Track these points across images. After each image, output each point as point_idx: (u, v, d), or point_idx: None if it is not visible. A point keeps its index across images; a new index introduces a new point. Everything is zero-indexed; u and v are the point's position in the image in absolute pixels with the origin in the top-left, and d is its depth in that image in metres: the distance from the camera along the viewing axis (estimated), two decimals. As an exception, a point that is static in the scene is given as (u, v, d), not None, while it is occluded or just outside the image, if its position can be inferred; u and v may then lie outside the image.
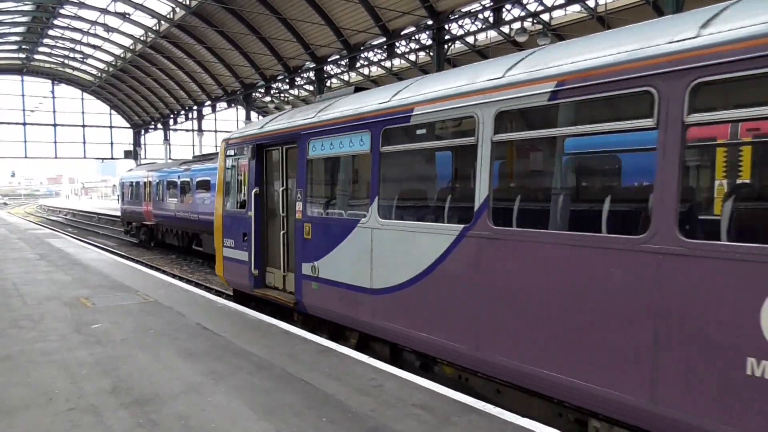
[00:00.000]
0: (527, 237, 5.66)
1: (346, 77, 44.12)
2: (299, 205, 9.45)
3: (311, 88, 43.27)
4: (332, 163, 9.22)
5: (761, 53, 4.10)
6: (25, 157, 61.62)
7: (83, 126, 64.20)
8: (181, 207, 25.83)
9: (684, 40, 4.62)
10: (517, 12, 27.84)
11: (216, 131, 65.39)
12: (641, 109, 4.82)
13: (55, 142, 62.28)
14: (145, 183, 30.92)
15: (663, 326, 4.56)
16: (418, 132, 7.29)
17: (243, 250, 11.14)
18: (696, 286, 4.38)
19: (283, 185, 10.24)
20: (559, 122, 5.76)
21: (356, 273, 8.09)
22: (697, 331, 4.36)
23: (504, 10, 27.55)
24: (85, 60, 54.07)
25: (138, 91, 59.58)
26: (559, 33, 31.84)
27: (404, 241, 7.23)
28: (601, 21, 28.70)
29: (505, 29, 32.48)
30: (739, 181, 5.51)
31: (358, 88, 9.72)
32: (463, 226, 6.30)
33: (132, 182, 33.46)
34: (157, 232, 29.89)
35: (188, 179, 25.20)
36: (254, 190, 10.71)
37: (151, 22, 40.88)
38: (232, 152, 11.79)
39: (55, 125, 62.23)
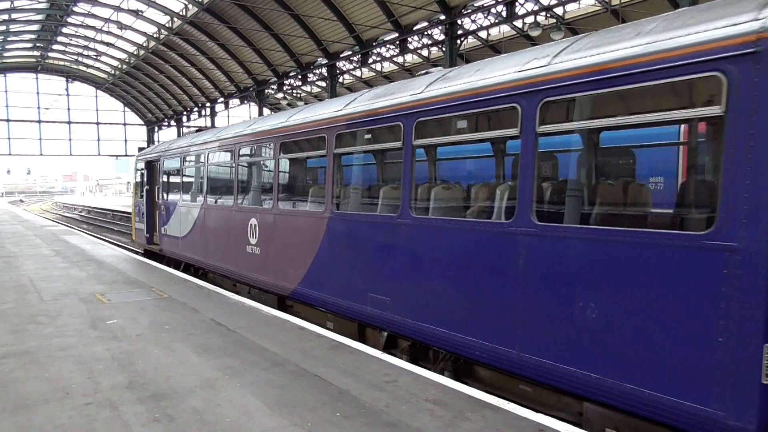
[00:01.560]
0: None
1: (358, 73, 44.08)
2: (161, 195, 17.19)
3: (323, 84, 43.28)
4: (176, 171, 16.31)
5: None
6: (41, 154, 62.17)
7: (97, 123, 64.64)
8: None
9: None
10: (530, 6, 27.68)
11: (229, 128, 65.52)
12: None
13: (70, 140, 62.78)
14: None
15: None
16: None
17: (142, 223, 18.85)
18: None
19: (157, 184, 17.73)
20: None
21: (177, 230, 15.67)
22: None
23: (517, 4, 27.39)
24: (98, 57, 54.34)
25: (151, 88, 59.85)
26: (573, 27, 31.63)
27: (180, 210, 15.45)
28: (616, 14, 28.50)
29: (518, 23, 32.32)
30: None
31: (200, 128, 17.80)
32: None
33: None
34: None
35: None
36: (146, 188, 18.42)
37: (164, 19, 41.02)
38: (139, 165, 19.35)
39: (69, 123, 62.70)
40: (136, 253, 20.15)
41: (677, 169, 9.76)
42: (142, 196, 18.71)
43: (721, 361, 4.32)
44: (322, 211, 9.22)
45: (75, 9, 41.68)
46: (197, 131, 17.58)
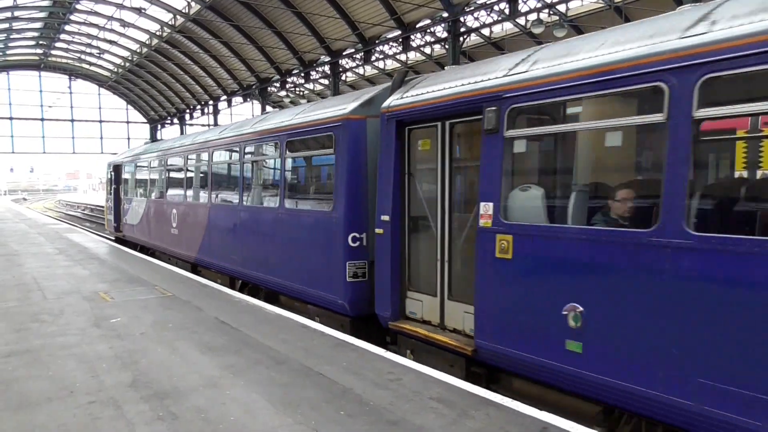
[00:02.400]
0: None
1: (361, 71, 44.03)
2: (123, 193, 22.46)
3: (326, 82, 43.25)
4: (132, 174, 21.82)
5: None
6: (44, 152, 62.26)
7: (100, 121, 64.65)
8: None
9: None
10: (533, 3, 27.60)
11: (232, 126, 65.52)
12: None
13: (73, 138, 62.83)
14: None
15: None
16: None
17: (111, 215, 24.16)
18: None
19: (121, 184, 22.96)
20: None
21: (133, 219, 20.39)
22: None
23: (520, 1, 27.31)
24: (101, 55, 54.32)
25: (154, 86, 59.84)
26: (576, 24, 31.54)
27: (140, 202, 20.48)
28: (619, 11, 28.41)
29: (521, 21, 32.23)
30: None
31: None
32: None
33: None
34: None
35: None
36: (113, 187, 23.65)
37: (166, 16, 41.01)
38: (109, 169, 24.53)
39: (72, 121, 62.74)
40: (110, 240, 23.82)
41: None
42: (110, 194, 24.25)
43: (334, 271, 8.92)
44: (206, 203, 14.08)
45: (78, 7, 41.69)
46: (148, 143, 25.12)
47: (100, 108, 64.73)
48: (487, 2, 27.92)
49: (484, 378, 6.75)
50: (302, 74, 42.16)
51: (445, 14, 29.05)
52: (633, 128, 5.75)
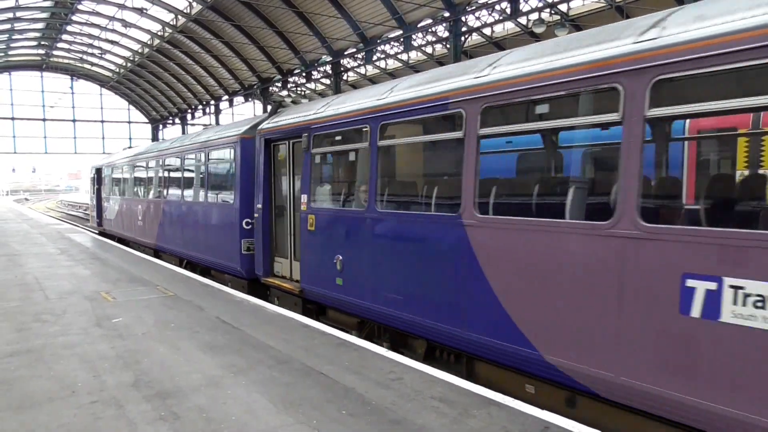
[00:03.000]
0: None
1: (362, 70, 44.02)
2: (104, 193, 26.01)
3: (328, 81, 43.24)
4: (110, 176, 25.45)
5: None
6: (46, 152, 62.28)
7: (102, 121, 64.71)
8: None
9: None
10: (534, 2, 27.58)
11: (233, 125, 65.55)
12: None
13: (75, 138, 62.86)
14: None
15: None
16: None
17: (95, 212, 27.56)
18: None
19: (99, 185, 26.30)
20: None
21: (111, 215, 24.24)
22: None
23: (521, 0, 27.30)
24: (103, 56, 54.36)
25: (156, 86, 59.88)
26: (577, 24, 31.51)
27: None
28: (620, 10, 28.39)
29: (523, 20, 32.21)
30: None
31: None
32: None
33: None
34: None
35: None
36: (96, 187, 26.81)
37: (168, 17, 41.04)
38: (92, 172, 27.76)
39: (74, 121, 62.80)
40: (94, 233, 26.80)
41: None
42: (93, 194, 27.85)
43: (232, 246, 12.43)
44: (161, 199, 17.51)
45: (79, 7, 41.73)
46: (126, 149, 30.05)
47: (101, 108, 64.79)
48: (489, 2, 27.90)
49: (315, 312, 10.13)
50: (304, 74, 42.16)
51: (447, 14, 29.04)
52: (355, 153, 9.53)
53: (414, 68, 44.16)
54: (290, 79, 44.38)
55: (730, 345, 4.26)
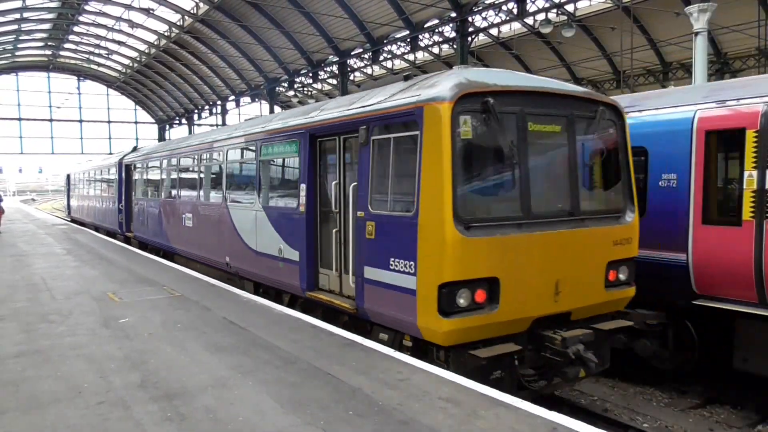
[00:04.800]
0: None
1: (369, 70, 44.02)
2: (73, 191, 35.07)
3: (334, 81, 43.26)
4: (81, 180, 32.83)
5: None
6: (52, 153, 62.52)
7: (109, 122, 64.94)
8: None
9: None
10: (541, 3, 27.51)
11: (239, 126, 65.70)
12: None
13: (82, 138, 63.14)
14: None
15: None
16: None
17: (67, 206, 38.57)
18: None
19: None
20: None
21: (75, 206, 34.91)
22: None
23: (528, 1, 27.24)
24: (110, 56, 54.58)
25: (162, 86, 60.05)
26: (584, 24, 31.42)
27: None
28: (627, 11, 28.29)
29: (530, 21, 32.16)
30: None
31: None
32: None
33: None
34: None
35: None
36: (67, 188, 37.59)
37: (174, 17, 41.14)
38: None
39: (81, 121, 63.05)
40: (68, 222, 31.43)
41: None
42: (66, 193, 35.50)
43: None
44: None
45: (86, 8, 41.88)
46: (90, 160, 34.56)
47: (108, 108, 65.06)
48: (496, 2, 27.85)
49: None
50: (310, 74, 42.22)
51: (453, 14, 29.02)
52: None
53: (421, 69, 44.12)
54: (297, 79, 44.44)
55: None
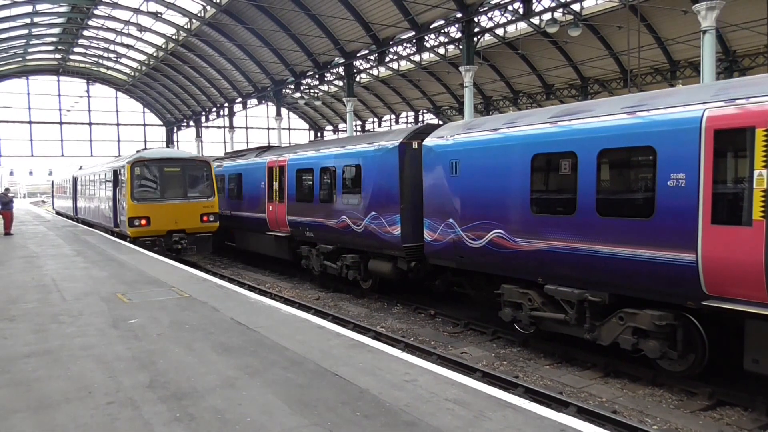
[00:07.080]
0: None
1: (375, 72, 44.00)
2: (58, 193, 47.39)
3: (341, 83, 43.29)
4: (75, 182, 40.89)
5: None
6: (62, 155, 62.75)
7: (117, 124, 65.13)
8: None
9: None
10: (547, 2, 27.45)
11: (247, 128, 65.94)
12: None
13: (91, 141, 63.33)
14: None
15: None
16: None
17: (53, 205, 51.61)
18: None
19: (55, 189, 48.32)
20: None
21: (57, 203, 47.48)
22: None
23: (534, 0, 27.18)
24: (118, 59, 54.75)
25: (170, 89, 60.23)
26: (590, 23, 31.32)
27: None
28: (634, 10, 28.19)
29: (536, 20, 32.08)
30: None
31: None
32: None
33: None
34: None
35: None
36: (53, 190, 49.63)
37: (182, 20, 41.27)
38: (52, 185, 48.84)
39: (90, 124, 63.27)
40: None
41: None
42: (51, 195, 38.69)
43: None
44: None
45: (95, 12, 42.05)
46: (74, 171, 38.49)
47: (117, 111, 65.20)
48: (501, 2, 27.80)
49: None
50: (317, 76, 42.27)
51: (459, 15, 28.98)
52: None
53: (426, 69, 44.12)
54: (303, 81, 44.51)
55: None
